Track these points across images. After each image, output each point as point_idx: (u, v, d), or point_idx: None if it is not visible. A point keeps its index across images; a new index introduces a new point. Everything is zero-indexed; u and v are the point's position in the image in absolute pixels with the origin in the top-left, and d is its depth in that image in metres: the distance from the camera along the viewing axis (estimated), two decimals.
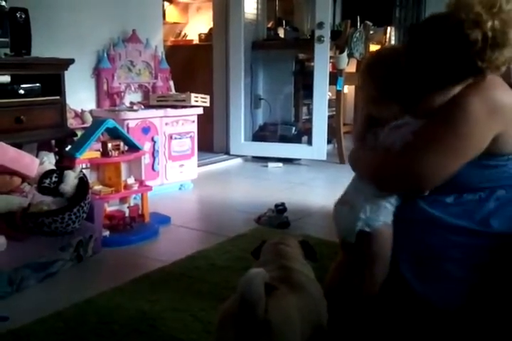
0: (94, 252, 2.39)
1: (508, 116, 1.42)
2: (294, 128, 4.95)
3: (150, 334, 1.71)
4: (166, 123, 3.55)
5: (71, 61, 2.89)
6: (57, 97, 2.84)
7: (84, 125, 3.26)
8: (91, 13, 3.46)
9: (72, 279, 2.18)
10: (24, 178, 2.37)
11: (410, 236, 1.55)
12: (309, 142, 4.67)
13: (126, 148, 2.77)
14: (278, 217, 2.89)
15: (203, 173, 4.08)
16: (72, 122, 3.19)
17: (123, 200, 2.82)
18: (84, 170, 2.61)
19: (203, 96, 3.75)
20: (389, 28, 5.71)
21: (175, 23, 6.34)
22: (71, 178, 2.38)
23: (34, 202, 2.28)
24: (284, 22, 5.66)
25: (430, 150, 1.43)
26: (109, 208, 2.74)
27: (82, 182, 2.41)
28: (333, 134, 4.77)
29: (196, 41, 5.88)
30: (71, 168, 2.46)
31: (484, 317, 1.47)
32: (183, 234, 2.78)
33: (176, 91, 3.95)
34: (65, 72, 2.88)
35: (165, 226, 2.83)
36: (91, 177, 2.71)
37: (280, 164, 4.54)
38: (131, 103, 3.68)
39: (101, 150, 2.72)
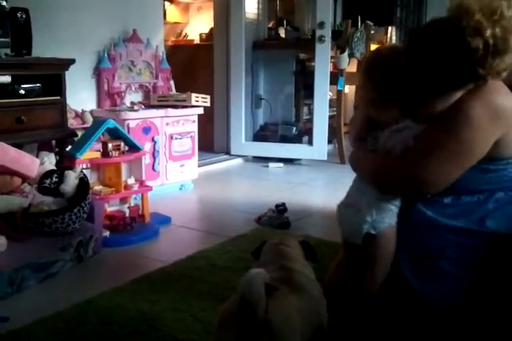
0: (94, 252, 2.39)
1: (509, 120, 1.42)
2: (294, 128, 4.95)
3: (150, 334, 1.71)
4: (167, 123, 3.55)
5: (72, 61, 2.89)
6: (58, 97, 2.84)
7: (85, 125, 3.26)
8: (91, 13, 3.46)
9: (72, 279, 2.18)
10: (24, 178, 2.37)
11: (409, 237, 1.56)
12: (310, 142, 4.66)
13: (126, 148, 2.77)
14: (278, 217, 2.89)
15: (203, 173, 4.08)
16: (72, 122, 3.19)
17: (123, 200, 2.82)
18: (84, 171, 2.61)
19: (203, 96, 3.75)
20: (390, 28, 5.71)
21: (176, 22, 6.34)
22: (71, 178, 2.38)
23: (34, 202, 2.28)
24: (284, 22, 5.66)
25: (433, 156, 1.43)
26: (110, 208, 2.74)
27: (83, 182, 2.41)
28: (333, 134, 4.77)
29: (197, 41, 5.88)
30: (71, 168, 2.46)
31: (483, 315, 1.47)
32: (183, 235, 2.78)
33: (177, 91, 3.95)
34: (66, 72, 2.88)
35: (165, 227, 2.83)
36: (91, 177, 2.71)
37: (281, 164, 4.54)
38: (132, 103, 3.68)
39: (101, 150, 2.71)
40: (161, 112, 3.51)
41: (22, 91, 2.67)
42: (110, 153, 2.66)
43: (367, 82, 1.61)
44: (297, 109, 5.31)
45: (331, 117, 4.70)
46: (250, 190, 3.78)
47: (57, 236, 2.25)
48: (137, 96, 3.82)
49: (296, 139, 4.84)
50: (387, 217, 1.55)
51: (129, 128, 3.29)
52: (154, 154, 3.49)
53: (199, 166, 3.93)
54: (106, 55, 3.53)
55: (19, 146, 2.51)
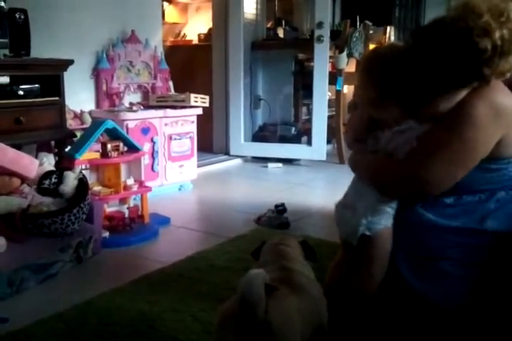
0: (93, 253, 2.39)
1: (510, 119, 1.42)
2: (293, 129, 4.95)
3: (150, 335, 1.71)
4: (166, 124, 3.55)
5: (70, 62, 2.89)
6: (57, 98, 2.84)
7: (84, 126, 3.26)
8: (90, 13, 3.46)
9: (71, 280, 2.18)
10: (23, 179, 2.36)
11: (409, 238, 1.56)
12: (309, 142, 4.66)
13: (125, 148, 2.77)
14: (278, 218, 2.89)
15: (202, 174, 4.08)
16: (71, 123, 3.19)
17: (122, 201, 2.81)
18: (83, 171, 2.60)
19: (202, 96, 3.75)
20: (388, 28, 5.70)
21: (174, 23, 6.34)
22: (71, 179, 2.38)
23: (34, 203, 2.28)
24: (283, 22, 5.66)
25: (436, 157, 1.43)
26: (109, 209, 2.74)
27: (82, 183, 2.41)
28: (332, 134, 4.77)
29: (196, 41, 5.88)
30: (70, 168, 2.46)
31: (483, 315, 1.47)
32: (182, 235, 2.78)
33: (176, 91, 3.95)
34: (64, 73, 2.88)
35: (164, 227, 2.83)
36: (90, 178, 2.71)
37: (280, 164, 4.54)
38: (131, 103, 3.68)
39: (100, 151, 2.71)
40: (160, 113, 3.51)
41: (20, 92, 2.67)
42: (109, 154, 2.66)
43: (366, 81, 1.60)
44: (296, 109, 5.31)
45: (329, 117, 4.70)
46: (249, 190, 3.78)
47: (56, 237, 2.25)
48: (136, 97, 3.81)
49: (295, 139, 4.84)
50: (383, 219, 1.56)
51: (127, 128, 3.29)
52: (153, 155, 3.49)
53: (198, 167, 3.93)
54: (104, 55, 3.52)
55: (18, 147, 2.51)
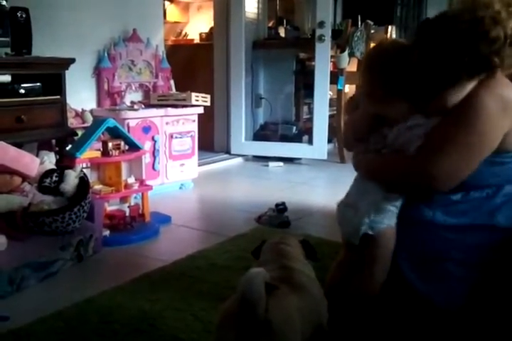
0: (94, 252, 2.39)
1: None
2: (294, 128, 4.96)
3: (151, 333, 1.71)
4: (167, 123, 3.55)
5: (72, 60, 2.89)
6: (58, 97, 2.84)
7: (85, 124, 3.26)
8: (92, 12, 3.46)
9: (72, 279, 2.18)
10: (24, 178, 2.36)
11: (412, 238, 1.55)
12: (310, 141, 4.66)
13: (126, 147, 2.77)
14: (278, 217, 2.89)
15: (203, 173, 4.08)
16: (72, 121, 3.19)
17: (123, 200, 2.82)
18: (84, 170, 2.61)
19: (203, 95, 3.75)
20: (390, 27, 5.70)
21: (176, 22, 6.34)
22: (71, 178, 2.38)
23: (34, 201, 2.28)
24: (284, 21, 5.66)
25: (446, 151, 1.42)
26: (110, 207, 2.74)
27: (83, 181, 2.41)
28: (333, 133, 4.77)
29: (197, 40, 5.89)
30: (71, 167, 2.46)
31: (487, 317, 1.46)
32: (183, 234, 2.78)
33: (177, 90, 3.95)
34: (66, 72, 2.88)
35: (165, 226, 2.83)
36: (91, 176, 2.71)
37: (281, 163, 4.54)
38: (132, 102, 3.68)
39: (101, 149, 2.71)
40: (161, 111, 3.51)
41: (22, 91, 2.67)
42: (110, 153, 2.66)
43: (371, 77, 1.58)
44: (297, 109, 5.31)
45: (331, 116, 4.70)
46: (250, 189, 3.78)
47: (57, 236, 2.25)
48: (137, 96, 3.82)
49: (296, 138, 4.84)
50: (386, 218, 1.54)
51: (129, 127, 3.29)
52: (154, 153, 3.49)
53: (199, 165, 3.93)
54: (106, 54, 3.52)
55: (19, 145, 2.51)
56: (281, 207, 2.94)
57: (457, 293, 1.49)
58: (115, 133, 2.77)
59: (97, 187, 2.66)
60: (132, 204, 2.82)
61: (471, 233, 1.49)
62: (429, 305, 1.49)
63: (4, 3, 2.62)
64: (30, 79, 2.72)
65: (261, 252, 1.55)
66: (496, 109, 1.40)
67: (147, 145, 3.37)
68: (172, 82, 3.96)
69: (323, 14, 4.42)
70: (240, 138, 4.79)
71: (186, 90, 3.73)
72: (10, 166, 2.28)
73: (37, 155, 2.58)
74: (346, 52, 4.56)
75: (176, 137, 3.61)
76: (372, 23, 4.90)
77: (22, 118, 2.64)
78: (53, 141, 2.98)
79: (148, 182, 2.97)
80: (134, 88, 3.74)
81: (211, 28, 5.30)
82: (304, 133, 4.91)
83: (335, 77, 4.54)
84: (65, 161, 2.68)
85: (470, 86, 1.44)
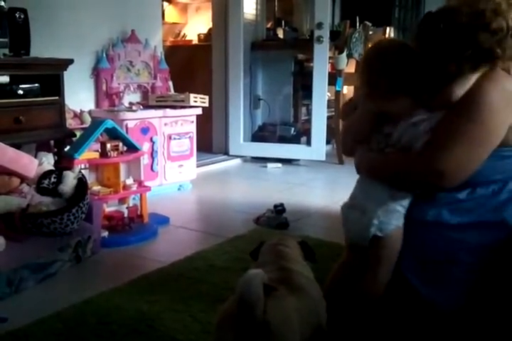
0: (92, 253, 2.39)
1: None
2: (293, 129, 4.96)
3: (149, 334, 1.71)
4: (165, 124, 3.55)
5: (70, 61, 2.89)
6: (56, 98, 2.84)
7: (83, 125, 3.26)
8: (90, 13, 3.46)
9: (70, 280, 2.18)
10: (23, 179, 2.36)
11: (416, 239, 1.53)
12: (308, 142, 4.67)
13: (125, 148, 2.77)
14: (277, 218, 2.89)
15: (201, 174, 4.08)
16: (71, 122, 3.19)
17: (122, 201, 2.81)
18: (83, 171, 2.60)
19: (202, 96, 3.75)
20: (388, 29, 5.70)
21: (174, 23, 6.34)
22: (70, 179, 2.38)
23: (33, 202, 2.28)
24: (283, 22, 5.66)
25: (453, 146, 1.41)
26: (108, 209, 2.74)
27: (81, 182, 2.41)
28: (332, 135, 4.78)
29: (195, 41, 5.89)
30: (70, 168, 2.46)
31: (489, 321, 1.45)
32: (181, 235, 2.78)
33: (175, 91, 3.95)
34: (64, 73, 2.88)
35: (164, 227, 2.83)
36: (90, 177, 2.71)
37: (279, 164, 4.54)
38: (130, 103, 3.68)
39: (100, 150, 2.71)
40: (160, 112, 3.51)
41: (20, 92, 2.67)
42: (109, 154, 2.66)
43: (371, 76, 1.57)
44: (295, 110, 5.31)
45: (329, 118, 4.70)
46: (249, 190, 3.78)
47: (55, 237, 2.25)
48: (135, 97, 3.82)
49: (294, 140, 4.84)
50: (394, 219, 1.53)
51: (127, 128, 3.29)
52: (153, 154, 3.49)
53: (197, 166, 3.93)
54: (104, 55, 3.52)
55: (17, 146, 2.51)
56: (279, 208, 2.94)
57: (459, 295, 1.47)
58: (113, 134, 2.77)
59: (96, 188, 2.66)
60: (131, 205, 2.81)
61: (477, 231, 1.48)
62: (431, 308, 1.48)
63: (2, 3, 2.62)
64: (28, 80, 2.72)
65: (259, 253, 1.55)
66: (501, 100, 1.40)
67: (145, 147, 3.37)
68: (170, 83, 3.96)
69: (321, 15, 4.43)
70: (239, 139, 4.79)
71: (185, 91, 3.74)
72: (8, 167, 2.28)
73: (35, 156, 2.57)
74: (344, 54, 4.56)
75: (175, 138, 3.61)
76: (370, 24, 4.91)
77: (20, 119, 2.64)
78: (52, 142, 2.98)
79: (146, 184, 2.97)
80: (132, 89, 3.74)
81: (209, 29, 5.31)
82: (302, 134, 4.91)
83: (333, 78, 4.54)
84: (64, 162, 2.67)
85: (473, 78, 1.44)
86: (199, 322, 1.77)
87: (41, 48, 2.91)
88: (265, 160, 4.62)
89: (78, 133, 3.04)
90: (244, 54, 4.75)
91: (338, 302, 1.56)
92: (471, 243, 1.48)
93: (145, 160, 3.31)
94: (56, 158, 2.80)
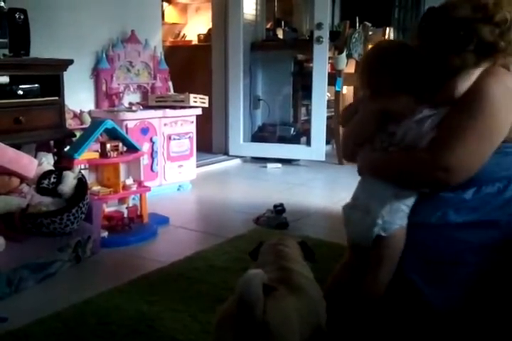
0: (92, 253, 2.39)
1: None
2: (292, 129, 4.96)
3: (149, 334, 1.71)
4: (165, 124, 3.55)
5: (70, 62, 2.89)
6: (56, 98, 2.84)
7: (83, 126, 3.26)
8: (90, 13, 3.46)
9: (70, 280, 2.18)
10: (23, 179, 2.36)
11: (419, 240, 1.52)
12: (308, 143, 4.67)
13: (124, 148, 2.78)
14: (277, 218, 2.89)
15: (201, 174, 4.08)
16: (70, 123, 3.20)
17: (122, 201, 2.82)
18: (82, 171, 2.60)
19: (201, 96, 3.75)
20: (388, 29, 5.71)
21: (174, 23, 6.34)
22: (70, 179, 2.38)
23: (33, 202, 2.28)
24: (282, 23, 5.66)
25: (458, 143, 1.40)
26: (108, 209, 2.74)
27: (81, 182, 2.41)
28: (331, 135, 4.78)
29: (195, 42, 5.89)
30: (70, 168, 2.46)
31: (490, 321, 1.45)
32: (181, 235, 2.78)
33: (175, 91, 3.95)
34: (64, 73, 2.88)
35: (163, 227, 2.83)
36: (90, 177, 2.71)
37: (279, 165, 4.55)
38: (130, 103, 3.68)
39: (99, 150, 2.72)
40: (159, 113, 3.51)
41: (20, 92, 2.67)
42: (108, 154, 2.67)
43: (372, 75, 1.58)
44: (295, 110, 5.32)
45: (328, 118, 4.70)
46: (248, 190, 3.78)
47: (55, 237, 2.25)
48: (135, 97, 3.82)
49: (294, 140, 4.84)
50: (398, 218, 1.52)
51: (127, 128, 3.29)
52: (152, 155, 3.49)
53: (197, 167, 3.93)
54: (104, 55, 3.53)
55: (17, 147, 2.51)
56: (279, 209, 2.95)
57: (462, 295, 1.46)
58: (113, 135, 2.77)
59: (95, 188, 2.66)
60: (130, 205, 2.82)
61: (482, 230, 1.47)
62: (432, 308, 1.47)
63: (2, 4, 2.62)
64: (28, 80, 2.72)
65: (259, 253, 1.54)
66: (505, 95, 1.40)
67: (145, 147, 3.38)
68: (170, 83, 3.97)
69: (321, 16, 4.43)
70: (238, 140, 4.79)
71: (184, 91, 3.74)
72: (8, 167, 2.28)
73: (35, 157, 2.58)
74: (344, 54, 4.57)
75: (174, 138, 3.61)
76: (370, 24, 4.91)
77: (20, 120, 2.64)
78: (51, 142, 2.98)
79: (146, 184, 2.97)
80: (132, 89, 3.74)
81: (209, 30, 5.31)
82: (302, 134, 4.91)
83: (333, 78, 4.55)
84: (63, 162, 2.68)
85: (475, 74, 1.44)
86: (199, 322, 1.77)
87: (41, 49, 2.92)
88: (265, 160, 4.62)
89: (78, 134, 3.04)
90: (244, 54, 4.75)
91: (339, 303, 1.55)
92: (476, 243, 1.47)
93: (145, 160, 3.31)
94: (56, 158, 2.81)
